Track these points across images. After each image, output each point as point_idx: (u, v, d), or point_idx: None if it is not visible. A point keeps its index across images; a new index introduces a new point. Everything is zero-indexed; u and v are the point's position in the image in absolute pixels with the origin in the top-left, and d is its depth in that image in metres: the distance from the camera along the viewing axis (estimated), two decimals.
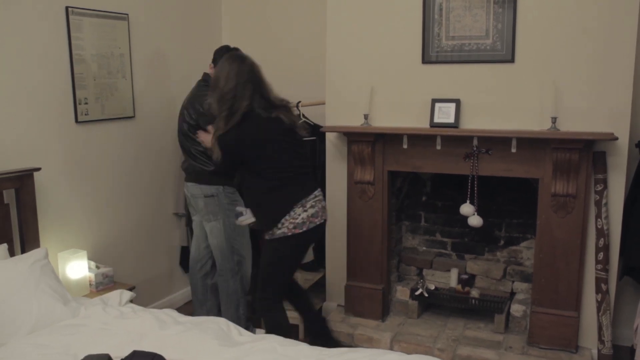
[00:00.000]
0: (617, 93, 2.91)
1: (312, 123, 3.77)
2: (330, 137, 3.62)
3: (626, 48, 2.86)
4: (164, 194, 3.95)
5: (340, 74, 3.49)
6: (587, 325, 3.15)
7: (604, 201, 2.99)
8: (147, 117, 3.72)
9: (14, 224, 2.90)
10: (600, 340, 3.07)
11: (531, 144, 3.07)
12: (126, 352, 1.97)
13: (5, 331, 2.34)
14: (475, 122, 3.20)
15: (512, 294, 3.58)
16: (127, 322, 2.52)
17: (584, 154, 2.98)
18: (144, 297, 3.59)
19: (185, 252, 4.11)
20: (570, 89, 2.98)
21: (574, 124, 2.98)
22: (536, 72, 3.04)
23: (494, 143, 3.15)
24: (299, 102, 3.74)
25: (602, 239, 3.01)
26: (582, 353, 3.14)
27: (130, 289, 3.20)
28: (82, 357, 1.95)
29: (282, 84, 4.06)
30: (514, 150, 3.12)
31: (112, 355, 1.95)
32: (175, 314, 2.64)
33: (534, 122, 3.06)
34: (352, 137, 3.43)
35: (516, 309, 3.41)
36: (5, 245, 2.77)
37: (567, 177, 3.01)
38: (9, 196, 2.88)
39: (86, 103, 3.25)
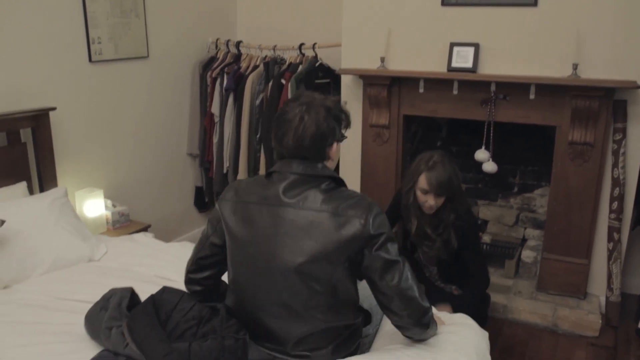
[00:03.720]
0: None
1: (327, 65, 3.72)
2: (345, 80, 3.57)
3: None
4: (178, 134, 3.95)
5: (357, 15, 3.41)
6: (597, 273, 3.17)
7: (621, 151, 2.95)
8: (161, 57, 3.68)
9: (32, 163, 2.94)
10: (609, 288, 3.10)
11: (550, 90, 3.01)
12: (150, 290, 2.00)
13: (28, 265, 2.42)
14: (494, 67, 3.13)
15: (524, 240, 3.60)
16: (149, 260, 2.60)
17: (604, 102, 2.92)
18: (158, 236, 3.62)
19: (199, 192, 4.16)
20: (594, 35, 2.88)
21: (595, 72, 2.90)
22: (559, 17, 2.94)
23: (512, 89, 3.09)
24: (315, 43, 3.69)
25: (618, 188, 2.99)
26: (590, 300, 3.18)
27: (146, 228, 3.27)
28: (106, 291, 2.00)
29: (298, 25, 4.01)
30: (532, 96, 3.06)
31: (138, 290, 1.98)
32: None
33: (554, 69, 2.99)
34: (368, 80, 3.38)
35: (527, 255, 3.44)
36: (24, 183, 2.82)
37: (585, 125, 2.97)
38: (26, 136, 2.91)
39: (99, 42, 3.22)
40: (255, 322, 1.75)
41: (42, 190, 2.93)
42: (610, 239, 3.06)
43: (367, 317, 1.95)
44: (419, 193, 2.57)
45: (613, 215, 3.03)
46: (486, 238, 3.57)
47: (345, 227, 1.63)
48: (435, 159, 2.56)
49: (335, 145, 1.73)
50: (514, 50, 3.07)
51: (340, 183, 1.75)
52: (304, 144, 1.66)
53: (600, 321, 3.02)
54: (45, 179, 2.95)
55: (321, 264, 1.65)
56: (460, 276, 2.79)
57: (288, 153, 1.71)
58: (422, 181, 2.53)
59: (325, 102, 1.71)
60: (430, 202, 2.54)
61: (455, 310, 2.45)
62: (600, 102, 2.90)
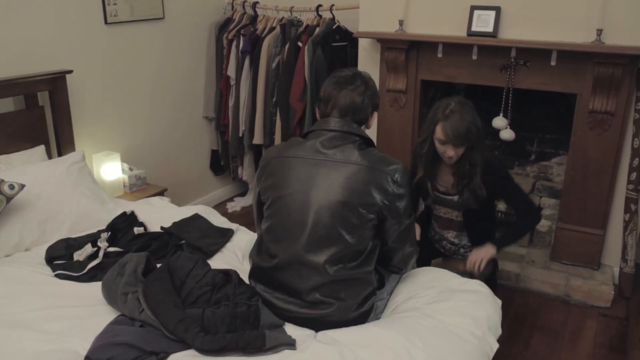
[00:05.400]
0: None
1: (344, 27, 3.66)
2: (363, 43, 3.51)
3: None
4: (194, 97, 3.95)
5: None
6: (612, 244, 3.16)
7: None
8: (176, 19, 3.65)
9: (50, 127, 2.97)
10: (624, 259, 3.09)
11: (572, 57, 2.93)
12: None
13: (47, 228, 2.47)
14: (515, 32, 3.05)
15: (539, 209, 3.58)
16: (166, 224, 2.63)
17: (628, 69, 2.84)
18: (175, 199, 3.68)
19: (215, 155, 4.18)
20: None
21: (619, 38, 2.81)
22: None
23: (533, 55, 3.02)
24: (333, 5, 3.62)
25: (637, 159, 2.94)
26: (604, 270, 3.17)
27: (162, 192, 3.30)
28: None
29: None
30: (553, 63, 2.99)
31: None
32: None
33: (577, 34, 2.90)
34: (386, 44, 3.33)
35: (542, 224, 3.42)
36: (42, 147, 2.85)
37: (607, 93, 2.90)
38: (44, 99, 2.92)
39: (115, 4, 3.19)
40: (276, 272, 1.86)
41: (60, 153, 2.97)
42: (626, 210, 3.03)
43: (381, 278, 2.04)
44: (437, 143, 2.43)
45: (631, 186, 2.99)
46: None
47: (379, 181, 1.81)
48: (453, 107, 2.36)
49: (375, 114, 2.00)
50: (536, 15, 2.98)
51: (370, 144, 1.92)
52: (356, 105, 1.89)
53: (613, 292, 3.02)
54: (63, 143, 2.98)
55: (353, 213, 1.80)
56: (487, 237, 2.63)
57: (338, 109, 1.89)
58: (439, 131, 2.37)
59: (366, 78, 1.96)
60: (449, 152, 2.39)
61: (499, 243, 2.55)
62: (624, 70, 2.83)
